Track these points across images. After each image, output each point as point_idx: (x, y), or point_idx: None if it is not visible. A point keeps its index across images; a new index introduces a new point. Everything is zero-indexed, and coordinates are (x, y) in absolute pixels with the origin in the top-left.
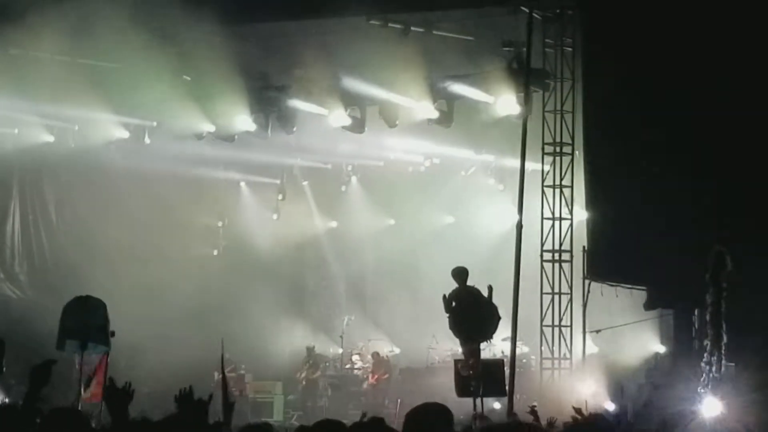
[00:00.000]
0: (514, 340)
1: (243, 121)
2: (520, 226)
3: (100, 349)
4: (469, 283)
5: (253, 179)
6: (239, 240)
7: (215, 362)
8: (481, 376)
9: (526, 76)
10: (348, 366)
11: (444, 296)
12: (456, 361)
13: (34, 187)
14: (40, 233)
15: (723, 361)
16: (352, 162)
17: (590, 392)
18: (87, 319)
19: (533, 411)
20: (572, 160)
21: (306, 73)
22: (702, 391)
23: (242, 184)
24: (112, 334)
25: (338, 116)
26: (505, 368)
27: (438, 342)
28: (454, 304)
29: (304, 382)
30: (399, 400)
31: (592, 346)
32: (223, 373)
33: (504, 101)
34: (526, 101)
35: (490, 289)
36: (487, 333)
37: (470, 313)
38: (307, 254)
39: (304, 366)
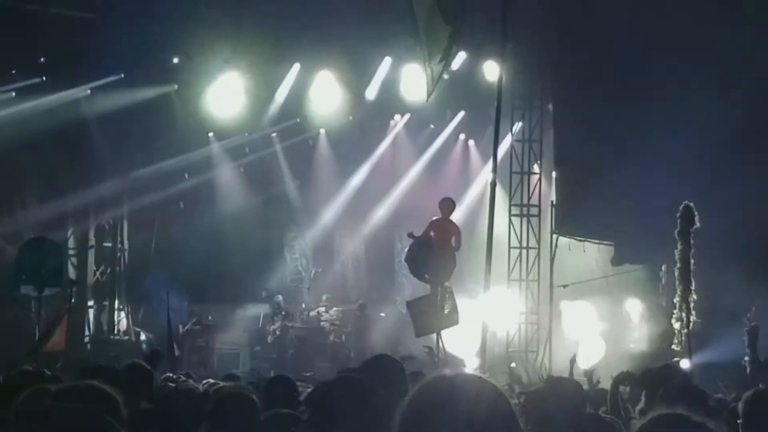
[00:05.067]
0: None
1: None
2: (493, 184)
3: (55, 291)
4: None
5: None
6: (205, 192)
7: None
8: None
9: None
10: (314, 315)
11: (410, 233)
12: (408, 303)
13: None
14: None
15: (692, 318)
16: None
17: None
18: (43, 262)
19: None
20: (541, 115)
21: None
22: (675, 348)
23: (210, 135)
24: (76, 282)
25: None
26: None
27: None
28: (432, 232)
29: (278, 333)
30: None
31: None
32: (169, 322)
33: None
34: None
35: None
36: (441, 278)
37: (431, 253)
38: (274, 208)
39: (276, 317)
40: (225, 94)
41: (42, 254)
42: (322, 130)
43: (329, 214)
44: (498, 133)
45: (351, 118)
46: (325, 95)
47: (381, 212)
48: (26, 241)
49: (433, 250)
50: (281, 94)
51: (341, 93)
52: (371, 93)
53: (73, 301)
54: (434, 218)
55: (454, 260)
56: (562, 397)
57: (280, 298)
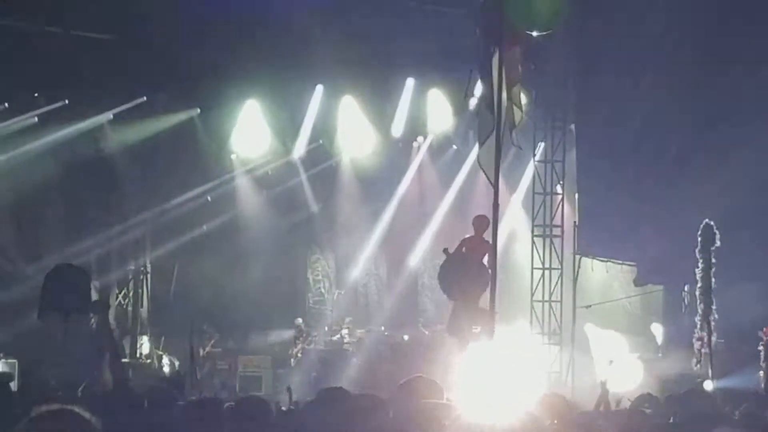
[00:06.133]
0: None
1: None
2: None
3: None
4: None
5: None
6: (229, 215)
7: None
8: None
9: None
10: (337, 338)
11: (445, 249)
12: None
13: None
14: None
15: (714, 337)
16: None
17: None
18: (69, 288)
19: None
20: (563, 135)
21: None
22: (695, 368)
23: (233, 157)
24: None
25: None
26: None
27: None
28: (464, 249)
29: (299, 355)
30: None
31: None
32: (191, 346)
33: None
34: None
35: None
36: (472, 296)
37: (462, 271)
38: (297, 230)
39: (297, 340)
40: (248, 118)
41: (68, 280)
42: (345, 153)
43: (353, 236)
44: (499, 152)
45: (374, 142)
46: (349, 120)
47: (406, 233)
48: (53, 268)
49: (465, 268)
50: (304, 118)
51: (364, 118)
52: (397, 129)
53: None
54: (467, 236)
55: (486, 279)
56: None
57: (300, 321)
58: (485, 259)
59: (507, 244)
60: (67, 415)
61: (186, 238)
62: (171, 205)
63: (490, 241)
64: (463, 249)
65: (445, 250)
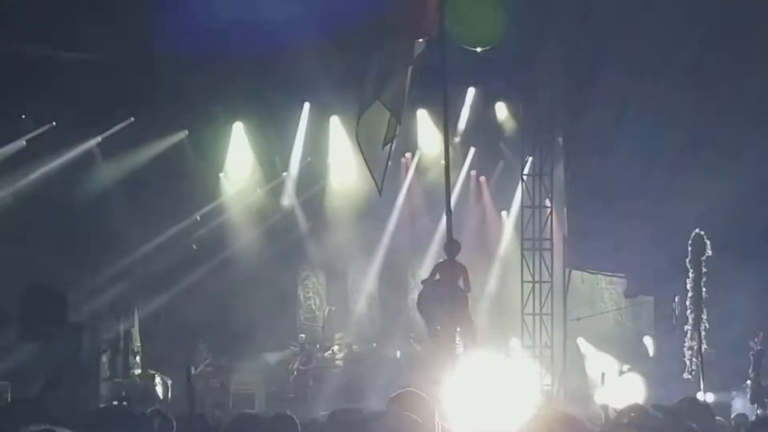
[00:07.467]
0: None
1: None
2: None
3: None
4: None
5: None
6: (217, 234)
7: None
8: None
9: None
10: (328, 354)
11: (423, 280)
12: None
13: None
14: None
15: (704, 347)
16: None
17: None
18: (46, 311)
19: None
20: (552, 148)
21: None
22: (687, 377)
23: (221, 175)
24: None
25: None
26: None
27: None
28: (438, 276)
29: (295, 373)
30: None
31: None
32: (188, 366)
33: None
34: None
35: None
36: (452, 323)
37: (437, 299)
38: (289, 249)
39: (297, 356)
40: (237, 139)
41: (42, 302)
42: (335, 170)
43: (343, 253)
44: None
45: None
46: (337, 138)
47: (397, 248)
48: (27, 290)
49: (439, 294)
50: (293, 137)
51: (351, 136)
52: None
53: None
54: (439, 261)
55: (464, 302)
56: None
57: (303, 337)
58: (460, 282)
59: (500, 261)
60: None
61: (177, 260)
62: (163, 237)
63: (463, 263)
64: (437, 276)
65: (423, 282)
